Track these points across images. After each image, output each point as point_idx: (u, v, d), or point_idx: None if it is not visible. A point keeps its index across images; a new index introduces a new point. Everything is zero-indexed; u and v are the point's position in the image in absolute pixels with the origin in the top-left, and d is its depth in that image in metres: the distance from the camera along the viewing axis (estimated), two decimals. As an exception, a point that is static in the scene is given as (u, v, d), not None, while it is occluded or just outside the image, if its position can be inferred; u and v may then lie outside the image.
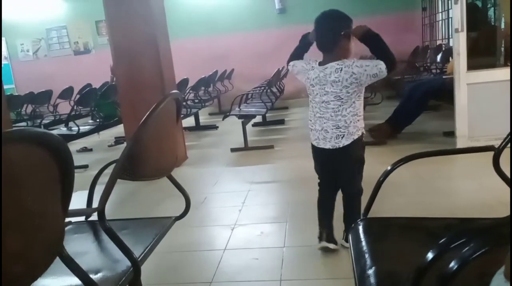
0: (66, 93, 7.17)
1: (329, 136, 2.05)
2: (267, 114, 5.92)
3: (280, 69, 6.37)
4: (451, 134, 4.11)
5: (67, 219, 1.05)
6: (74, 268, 1.06)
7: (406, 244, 1.32)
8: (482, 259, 0.79)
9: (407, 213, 1.56)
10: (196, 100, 6.63)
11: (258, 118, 6.12)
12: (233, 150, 4.84)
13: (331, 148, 2.06)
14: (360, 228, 1.41)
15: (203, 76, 6.82)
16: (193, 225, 2.76)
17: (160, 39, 4.21)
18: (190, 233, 2.67)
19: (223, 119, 5.26)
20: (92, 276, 1.15)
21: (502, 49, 4.01)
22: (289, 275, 2.06)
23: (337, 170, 2.17)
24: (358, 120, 2.05)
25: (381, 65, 1.91)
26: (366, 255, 1.24)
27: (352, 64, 1.97)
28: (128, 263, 1.23)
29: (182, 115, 5.06)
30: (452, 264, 0.81)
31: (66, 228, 1.60)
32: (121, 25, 4.12)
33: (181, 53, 6.52)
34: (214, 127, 6.58)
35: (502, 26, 4.42)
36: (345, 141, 2.04)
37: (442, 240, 0.84)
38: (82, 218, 1.68)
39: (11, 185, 0.78)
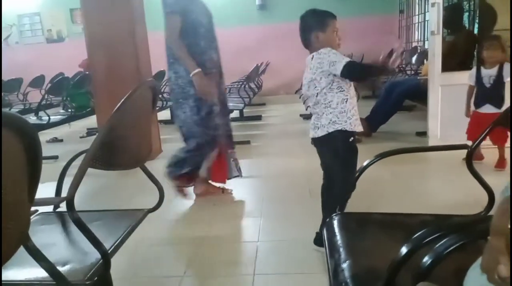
0: (37, 82, 6.92)
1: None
2: (244, 110, 5.89)
3: (259, 65, 6.35)
4: (423, 134, 4.21)
5: (33, 208, 1.00)
6: (41, 259, 1.01)
7: (381, 239, 1.32)
8: (457, 255, 0.79)
9: (382, 210, 1.57)
10: (173, 94, 6.52)
11: (236, 113, 6.07)
12: (209, 145, 4.78)
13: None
14: (335, 223, 1.40)
15: (181, 69, 6.72)
16: (167, 218, 2.72)
17: (138, 30, 4.11)
18: (163, 226, 2.63)
19: (199, 114, 5.19)
20: (60, 268, 1.10)
21: (475, 53, 4.10)
22: (263, 269, 2.04)
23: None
24: (331, 112, 2.02)
25: (342, 63, 1.91)
26: (341, 249, 1.23)
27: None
28: (98, 255, 1.18)
29: (157, 108, 4.98)
30: (426, 258, 0.81)
31: (33, 219, 1.54)
32: (97, 14, 4.00)
33: (159, 45, 6.39)
34: (190, 121, 6.49)
35: (475, 31, 4.54)
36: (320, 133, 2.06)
37: (417, 235, 0.84)
38: (50, 208, 1.61)
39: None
